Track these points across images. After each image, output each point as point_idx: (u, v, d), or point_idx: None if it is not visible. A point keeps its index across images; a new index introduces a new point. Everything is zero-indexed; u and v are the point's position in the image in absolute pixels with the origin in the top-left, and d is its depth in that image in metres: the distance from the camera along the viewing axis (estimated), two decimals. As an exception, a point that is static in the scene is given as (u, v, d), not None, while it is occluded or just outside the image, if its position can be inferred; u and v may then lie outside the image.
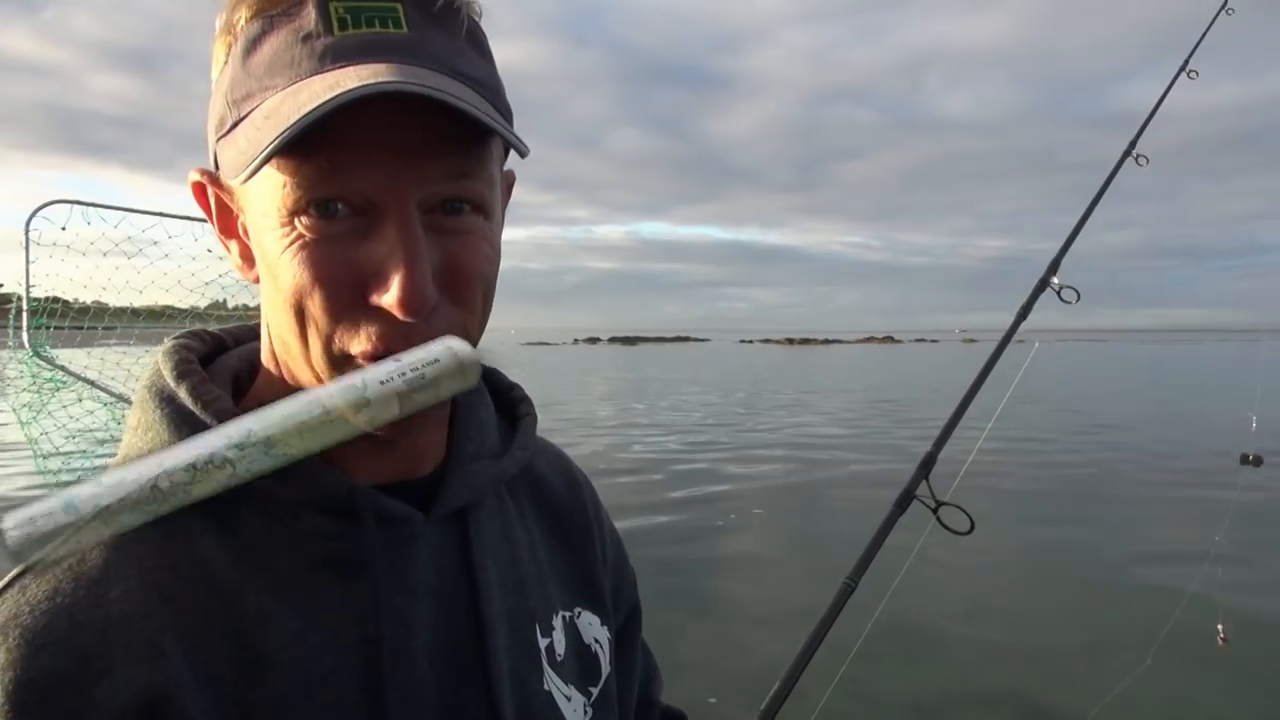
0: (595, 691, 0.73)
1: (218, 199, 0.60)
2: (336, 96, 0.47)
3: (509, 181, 0.66)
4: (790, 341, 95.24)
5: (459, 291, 0.56)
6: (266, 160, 0.49)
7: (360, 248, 0.52)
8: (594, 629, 0.76)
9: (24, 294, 3.43)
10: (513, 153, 0.60)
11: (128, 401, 3.65)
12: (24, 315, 3.47)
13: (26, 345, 3.48)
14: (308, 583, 0.58)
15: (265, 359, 0.63)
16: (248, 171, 0.50)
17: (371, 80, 0.48)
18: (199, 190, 0.61)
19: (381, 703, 0.57)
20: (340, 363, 0.55)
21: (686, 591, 5.73)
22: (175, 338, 0.66)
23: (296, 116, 0.48)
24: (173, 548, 0.55)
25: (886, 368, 40.41)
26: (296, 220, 0.52)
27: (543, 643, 0.69)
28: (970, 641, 4.82)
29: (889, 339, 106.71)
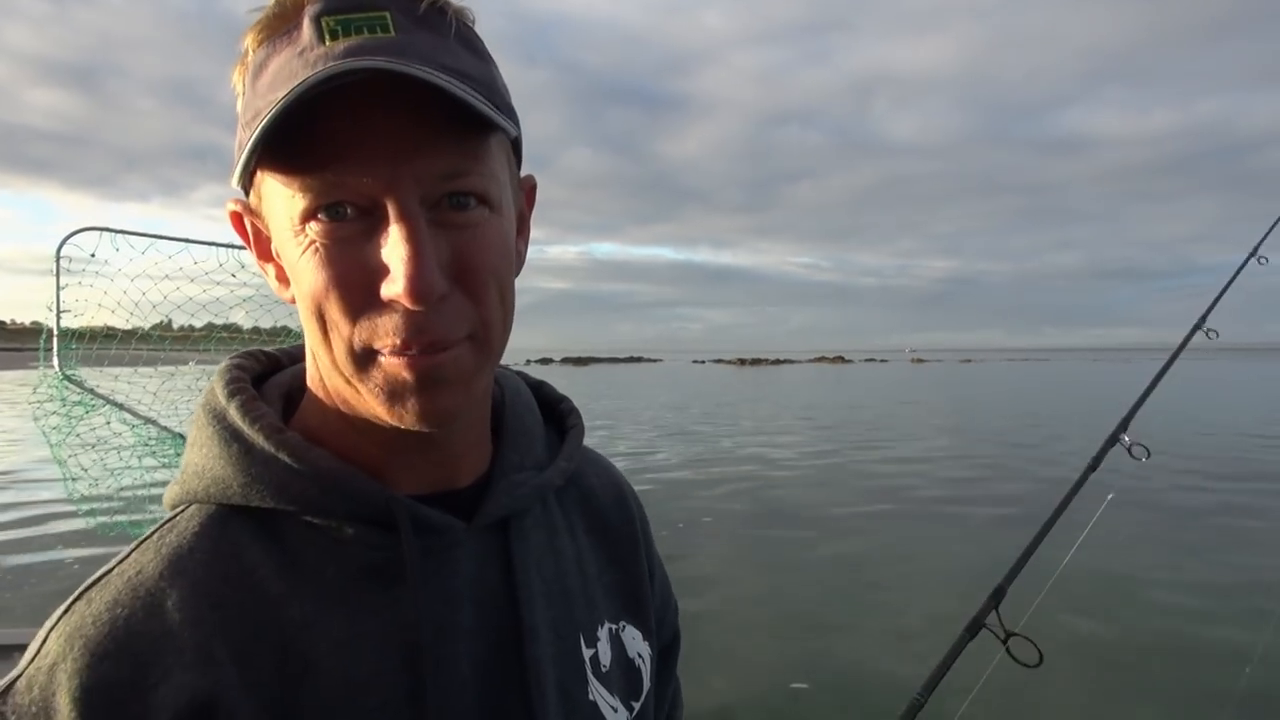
0: (637, 706, 0.73)
1: (253, 225, 0.61)
2: (308, 79, 0.49)
3: (529, 186, 0.67)
4: (742, 362, 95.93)
5: (470, 283, 0.56)
6: (252, 154, 0.51)
7: (368, 246, 0.53)
8: (637, 644, 0.76)
9: (55, 318, 3.48)
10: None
11: (155, 425, 3.71)
12: (54, 339, 3.52)
13: (57, 368, 3.53)
14: (351, 590, 0.59)
15: (310, 379, 0.64)
16: (238, 170, 0.53)
17: (347, 67, 0.49)
18: (236, 219, 0.62)
19: (423, 708, 0.58)
20: (364, 359, 0.55)
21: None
22: (232, 357, 0.68)
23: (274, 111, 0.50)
24: (222, 558, 0.57)
25: (835, 388, 41.01)
26: (308, 226, 0.53)
27: (587, 653, 0.69)
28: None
29: (840, 359, 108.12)
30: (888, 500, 10.24)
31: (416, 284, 0.51)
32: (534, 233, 0.68)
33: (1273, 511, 9.08)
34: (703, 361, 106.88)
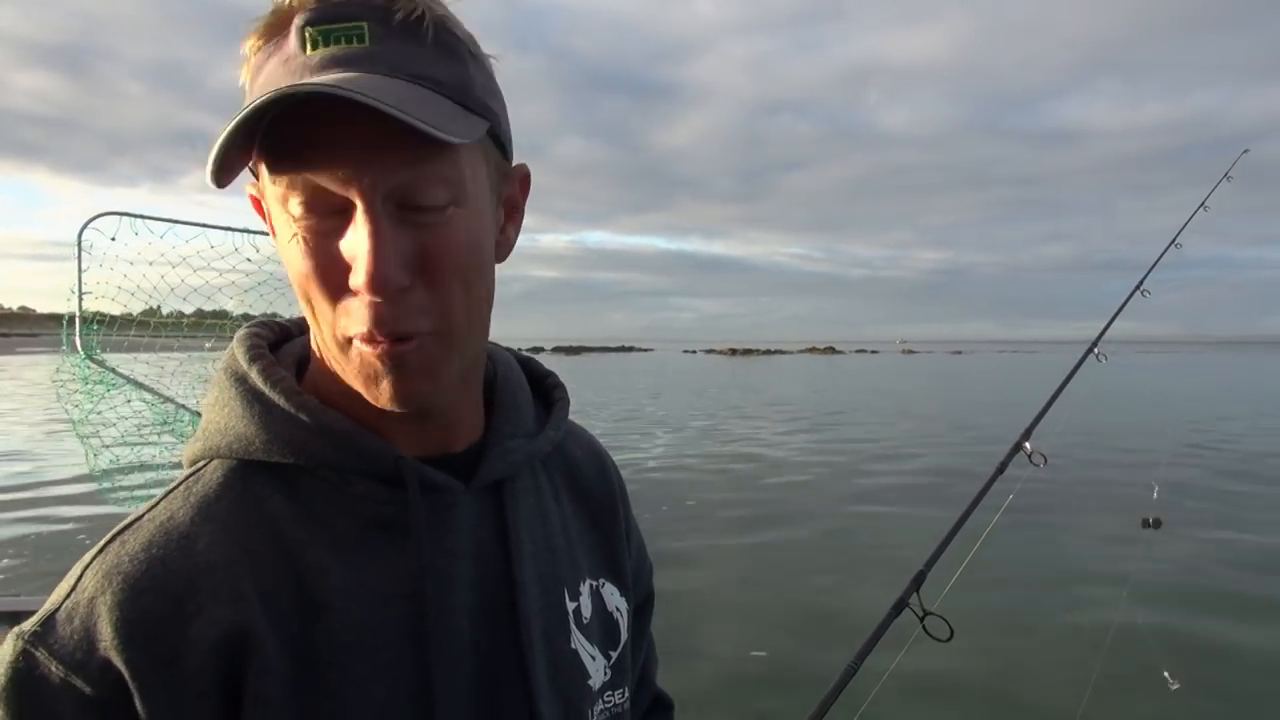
0: (614, 655, 0.79)
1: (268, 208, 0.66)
2: (251, 105, 0.52)
3: (521, 175, 0.70)
4: (733, 352, 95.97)
5: (432, 278, 0.59)
6: (220, 154, 0.53)
7: (340, 241, 0.57)
8: (615, 599, 0.81)
9: (77, 300, 3.61)
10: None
11: (175, 403, 3.85)
12: (77, 320, 3.65)
13: (79, 349, 3.67)
14: (361, 541, 0.64)
15: (314, 349, 0.68)
16: (210, 167, 0.54)
17: (295, 89, 0.53)
18: (256, 202, 0.66)
19: (425, 650, 0.63)
20: (344, 345, 0.60)
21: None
22: (249, 326, 0.72)
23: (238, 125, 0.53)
24: (247, 507, 0.62)
25: (823, 379, 41.21)
26: (294, 220, 0.58)
27: (570, 606, 0.75)
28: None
29: (830, 349, 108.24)
30: (853, 484, 10.58)
31: (375, 275, 0.55)
32: (524, 220, 0.73)
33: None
34: (694, 351, 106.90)
